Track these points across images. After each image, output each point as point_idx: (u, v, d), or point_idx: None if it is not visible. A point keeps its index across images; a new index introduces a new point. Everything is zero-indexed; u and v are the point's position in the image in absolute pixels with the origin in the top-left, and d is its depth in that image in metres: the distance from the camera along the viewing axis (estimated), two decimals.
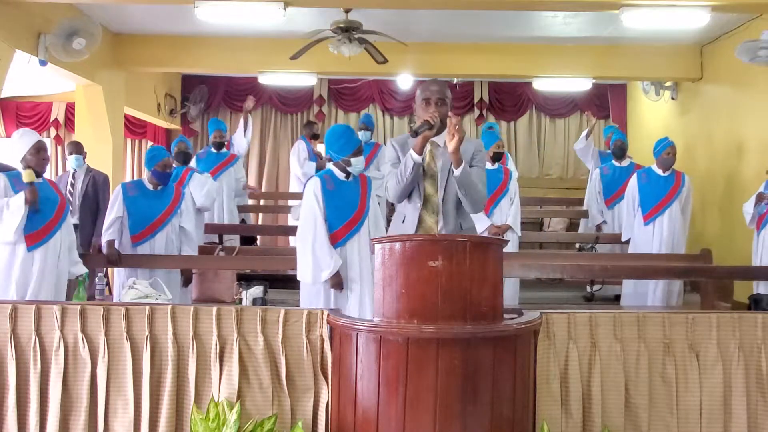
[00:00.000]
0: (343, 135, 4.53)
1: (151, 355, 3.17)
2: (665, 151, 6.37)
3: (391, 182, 3.46)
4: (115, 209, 5.22)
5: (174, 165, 6.58)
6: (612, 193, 7.34)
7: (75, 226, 6.19)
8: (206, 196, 6.52)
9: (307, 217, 4.42)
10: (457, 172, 3.34)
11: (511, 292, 6.18)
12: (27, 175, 4.39)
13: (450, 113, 3.39)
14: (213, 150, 7.68)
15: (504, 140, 8.31)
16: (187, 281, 5.51)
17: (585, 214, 7.73)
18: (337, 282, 4.41)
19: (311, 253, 4.37)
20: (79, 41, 6.37)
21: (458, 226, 3.50)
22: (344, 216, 4.44)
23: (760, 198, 5.74)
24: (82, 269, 4.73)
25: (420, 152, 3.35)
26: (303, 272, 4.44)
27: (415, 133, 3.32)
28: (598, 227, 7.38)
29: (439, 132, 3.41)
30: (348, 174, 4.51)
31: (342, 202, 4.45)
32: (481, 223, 6.10)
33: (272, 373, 3.13)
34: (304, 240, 4.41)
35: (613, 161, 7.53)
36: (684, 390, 3.19)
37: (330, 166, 4.57)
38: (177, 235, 5.39)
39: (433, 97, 3.43)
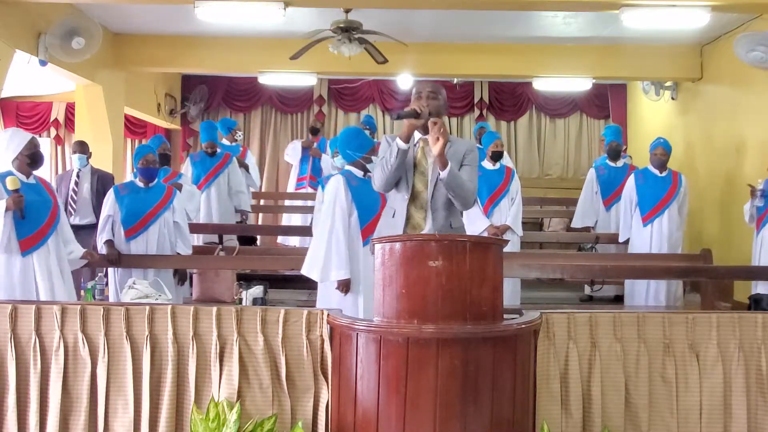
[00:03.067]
0: (359, 134, 4.63)
1: (151, 355, 3.17)
2: (653, 151, 6.41)
3: (377, 170, 3.48)
4: (107, 209, 5.30)
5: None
6: (609, 194, 7.23)
7: (80, 226, 6.23)
8: (197, 210, 6.67)
9: (329, 213, 4.38)
10: (443, 174, 3.35)
11: (510, 291, 6.17)
12: (11, 183, 4.16)
13: (432, 118, 3.38)
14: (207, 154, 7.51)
15: (504, 140, 8.31)
16: (181, 279, 5.55)
17: None
18: (345, 284, 4.37)
19: (326, 250, 4.32)
20: (78, 41, 6.36)
21: (448, 225, 3.49)
22: (372, 212, 4.44)
23: (752, 192, 5.67)
24: (79, 252, 4.62)
25: (406, 140, 3.37)
26: (310, 267, 4.37)
27: (398, 117, 3.37)
28: (586, 229, 7.27)
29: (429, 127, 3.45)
30: (365, 173, 4.54)
31: (368, 199, 4.46)
32: (479, 223, 6.10)
33: (272, 373, 3.13)
34: (321, 235, 4.37)
35: (608, 161, 7.42)
36: (684, 390, 3.19)
37: (347, 166, 4.59)
38: (171, 230, 5.43)
39: (424, 91, 3.48)
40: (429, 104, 3.42)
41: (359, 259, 4.39)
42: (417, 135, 3.49)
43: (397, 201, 3.53)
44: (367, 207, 4.44)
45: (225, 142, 8.27)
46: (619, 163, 7.36)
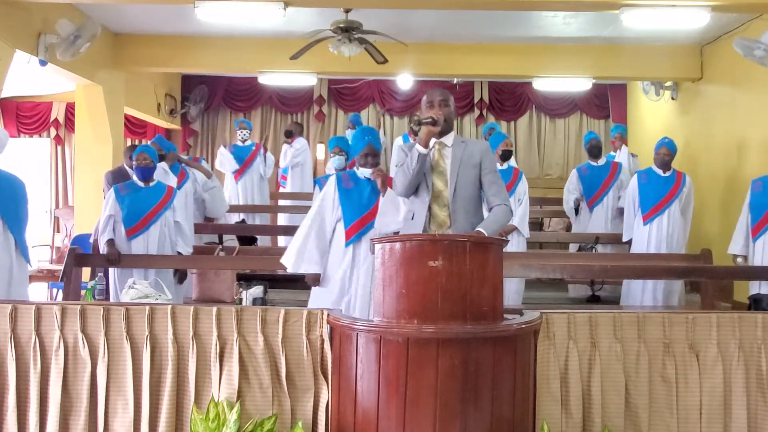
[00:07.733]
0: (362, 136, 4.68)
1: (151, 355, 3.17)
2: (657, 151, 6.41)
3: (399, 176, 3.69)
4: (108, 208, 5.31)
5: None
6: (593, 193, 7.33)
7: None
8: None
9: (315, 210, 4.48)
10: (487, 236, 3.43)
11: (513, 291, 6.17)
12: None
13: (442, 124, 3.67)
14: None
15: None
16: (181, 278, 5.57)
17: None
18: (314, 279, 4.45)
19: (302, 243, 4.40)
20: (85, 46, 6.39)
21: (469, 225, 3.59)
22: (357, 213, 4.46)
23: None
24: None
25: (425, 145, 3.61)
26: (287, 256, 4.45)
27: (417, 124, 3.62)
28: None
29: (443, 132, 3.67)
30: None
31: (357, 200, 4.48)
32: None
33: (272, 373, 3.13)
34: (303, 228, 4.45)
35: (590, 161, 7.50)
36: (684, 390, 3.19)
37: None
38: (171, 229, 5.48)
39: (436, 99, 3.72)
40: (442, 111, 3.66)
41: (342, 258, 4.41)
42: (432, 139, 3.70)
43: (416, 204, 3.71)
44: (353, 208, 4.46)
45: (237, 142, 8.33)
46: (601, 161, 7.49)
